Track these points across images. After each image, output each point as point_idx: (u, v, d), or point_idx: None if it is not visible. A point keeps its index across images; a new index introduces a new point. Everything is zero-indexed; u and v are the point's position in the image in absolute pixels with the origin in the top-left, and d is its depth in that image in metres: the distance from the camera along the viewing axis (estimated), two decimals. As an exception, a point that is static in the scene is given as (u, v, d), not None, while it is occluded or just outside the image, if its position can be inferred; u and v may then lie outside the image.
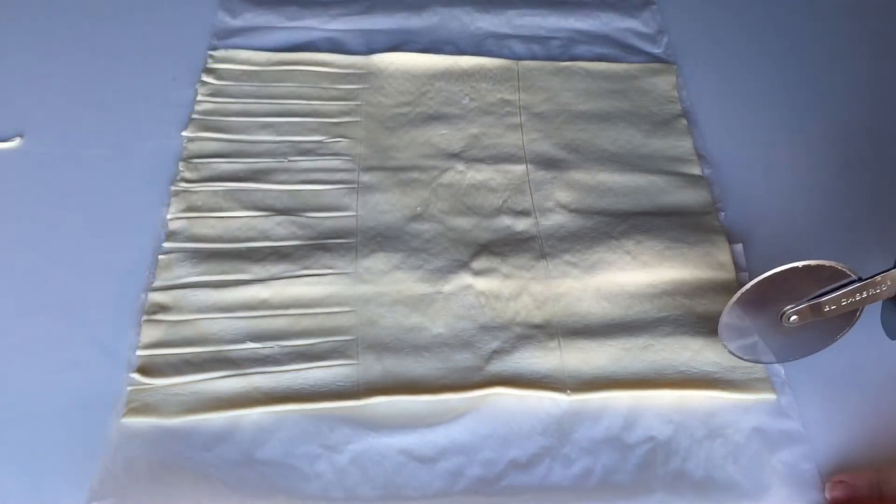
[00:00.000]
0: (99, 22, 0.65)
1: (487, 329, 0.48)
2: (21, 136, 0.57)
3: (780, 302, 0.42)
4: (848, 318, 0.43)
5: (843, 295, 0.41)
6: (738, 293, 0.42)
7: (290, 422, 0.44)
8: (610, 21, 0.68)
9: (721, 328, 0.44)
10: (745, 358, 0.46)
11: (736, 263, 0.52)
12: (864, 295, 0.41)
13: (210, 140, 0.57)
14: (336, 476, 0.42)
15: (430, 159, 0.57)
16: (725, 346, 0.45)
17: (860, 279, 0.41)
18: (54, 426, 0.43)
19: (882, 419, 0.45)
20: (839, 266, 0.41)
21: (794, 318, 0.42)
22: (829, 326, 0.44)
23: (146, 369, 0.45)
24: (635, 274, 0.51)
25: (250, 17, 0.66)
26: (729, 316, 0.43)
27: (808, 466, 0.43)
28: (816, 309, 0.42)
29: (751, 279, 0.41)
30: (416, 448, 0.43)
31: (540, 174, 0.56)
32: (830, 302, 0.41)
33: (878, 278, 0.41)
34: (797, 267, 0.41)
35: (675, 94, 0.63)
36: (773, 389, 0.46)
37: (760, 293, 0.42)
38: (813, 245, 0.53)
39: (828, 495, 0.42)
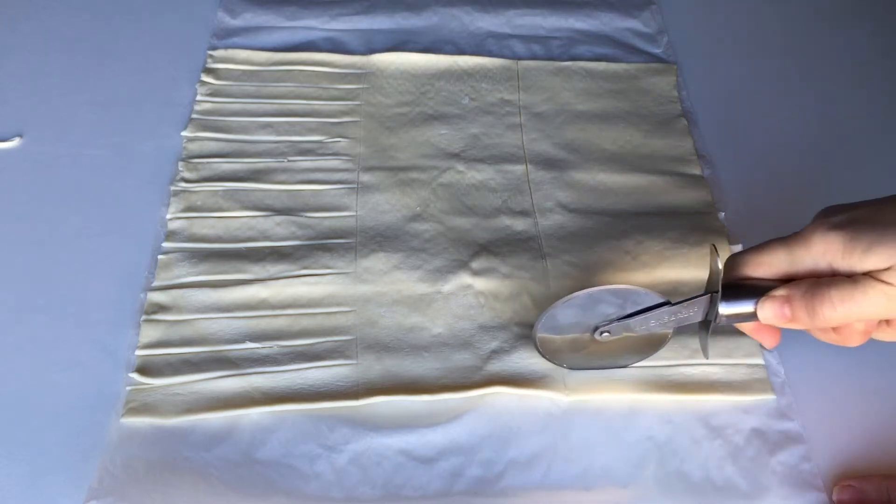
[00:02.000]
0: (99, 22, 0.66)
1: (487, 329, 0.48)
2: (21, 136, 0.57)
3: (596, 316, 0.43)
4: (663, 337, 0.45)
5: (651, 317, 0.43)
6: (551, 307, 0.43)
7: (290, 422, 0.44)
8: (610, 21, 0.68)
9: (535, 336, 0.44)
10: (555, 362, 0.46)
11: (735, 264, 0.52)
12: (673, 318, 0.43)
13: (210, 140, 0.57)
14: (335, 476, 0.42)
15: (429, 159, 0.57)
16: (538, 350, 0.45)
17: (668, 303, 0.42)
18: (54, 426, 0.43)
19: (881, 420, 0.45)
20: (643, 291, 0.42)
21: (605, 334, 0.44)
22: (647, 341, 0.45)
23: (145, 369, 0.45)
24: (635, 274, 0.51)
25: (250, 17, 0.66)
26: (541, 325, 0.44)
27: (807, 467, 0.43)
28: (627, 328, 0.43)
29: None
30: (415, 448, 0.43)
31: (540, 174, 0.56)
32: (640, 323, 0.43)
33: (686, 304, 0.42)
34: (608, 289, 0.42)
35: (676, 94, 0.63)
36: (772, 390, 0.46)
37: (576, 307, 0.43)
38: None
39: (835, 498, 0.42)
